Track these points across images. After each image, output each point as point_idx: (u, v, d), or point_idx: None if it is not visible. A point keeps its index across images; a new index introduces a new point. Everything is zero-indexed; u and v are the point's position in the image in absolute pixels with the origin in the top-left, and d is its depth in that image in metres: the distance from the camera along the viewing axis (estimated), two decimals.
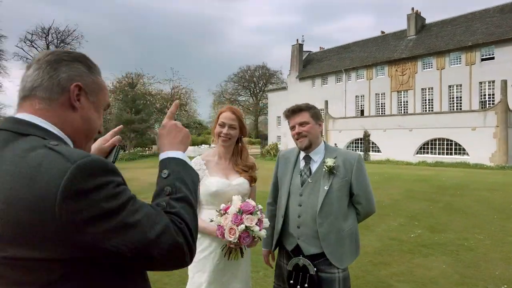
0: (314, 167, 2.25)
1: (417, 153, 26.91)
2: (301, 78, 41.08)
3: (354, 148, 30.49)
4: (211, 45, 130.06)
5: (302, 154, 2.30)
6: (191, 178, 1.01)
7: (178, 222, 0.88)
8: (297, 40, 42.58)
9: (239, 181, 2.25)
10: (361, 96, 35.28)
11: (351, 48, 38.81)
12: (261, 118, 61.07)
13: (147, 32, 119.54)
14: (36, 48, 56.84)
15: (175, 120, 1.14)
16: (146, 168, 20.00)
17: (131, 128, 33.24)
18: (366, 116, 32.74)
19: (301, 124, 2.21)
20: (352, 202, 2.25)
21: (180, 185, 0.96)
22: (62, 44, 57.65)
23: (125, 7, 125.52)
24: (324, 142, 2.33)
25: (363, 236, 6.03)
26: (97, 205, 0.75)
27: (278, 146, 33.83)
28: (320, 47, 44.39)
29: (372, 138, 28.94)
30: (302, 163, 2.29)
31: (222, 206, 2.03)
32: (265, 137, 47.46)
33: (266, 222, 2.05)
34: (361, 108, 35.50)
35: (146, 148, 37.45)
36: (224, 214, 1.99)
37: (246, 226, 1.92)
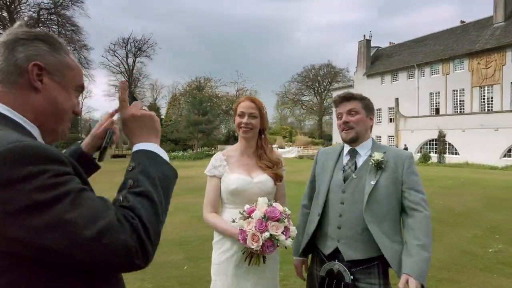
0: (360, 161, 1.99)
1: (504, 156, 23.74)
2: (369, 75, 39.18)
3: (428, 150, 28.05)
4: (277, 46, 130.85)
5: (347, 149, 2.06)
6: (160, 172, 0.91)
7: (130, 217, 0.78)
8: (364, 35, 40.79)
9: (262, 179, 2.08)
10: (436, 93, 32.36)
11: (425, 41, 35.83)
12: (326, 118, 59.65)
13: (215, 38, 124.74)
14: (117, 57, 63.19)
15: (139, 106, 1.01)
16: None
17: (199, 128, 34.97)
18: (442, 115, 29.94)
19: (350, 112, 1.97)
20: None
21: (143, 178, 0.86)
22: (139, 52, 63.20)
23: (195, 15, 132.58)
24: (372, 138, 2.07)
25: None
26: (26, 196, 0.68)
27: None
28: (390, 42, 41.88)
29: (448, 139, 26.30)
30: (346, 158, 2.05)
31: (246, 207, 1.89)
32: (329, 138, 46.17)
33: (293, 230, 1.86)
34: (436, 106, 32.59)
35: (212, 148, 39.01)
36: (248, 218, 1.84)
37: (270, 235, 1.75)
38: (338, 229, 1.94)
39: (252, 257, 1.90)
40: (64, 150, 1.30)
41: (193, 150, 35.35)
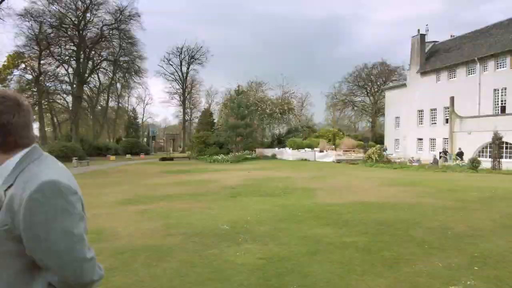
0: None
1: None
2: (423, 72, 35.71)
3: (487, 155, 24.49)
4: (340, 46, 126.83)
5: None
6: None
7: None
8: (418, 30, 37.15)
9: None
10: (502, 90, 28.21)
11: (491, 31, 31.55)
12: (381, 119, 55.97)
13: (275, 40, 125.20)
14: (171, 65, 66.86)
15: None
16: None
17: (237, 132, 35.22)
18: (507, 114, 26.04)
19: None
20: None
21: None
22: (191, 60, 66.20)
23: (263, 18, 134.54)
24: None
25: None
26: None
27: (384, 152, 29.54)
28: (451, 35, 37.67)
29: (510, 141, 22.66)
30: None
31: None
32: (374, 140, 42.99)
33: None
34: (501, 104, 28.42)
35: (253, 151, 39.04)
36: None
37: None
38: None
39: None
40: None
41: (232, 153, 35.62)
